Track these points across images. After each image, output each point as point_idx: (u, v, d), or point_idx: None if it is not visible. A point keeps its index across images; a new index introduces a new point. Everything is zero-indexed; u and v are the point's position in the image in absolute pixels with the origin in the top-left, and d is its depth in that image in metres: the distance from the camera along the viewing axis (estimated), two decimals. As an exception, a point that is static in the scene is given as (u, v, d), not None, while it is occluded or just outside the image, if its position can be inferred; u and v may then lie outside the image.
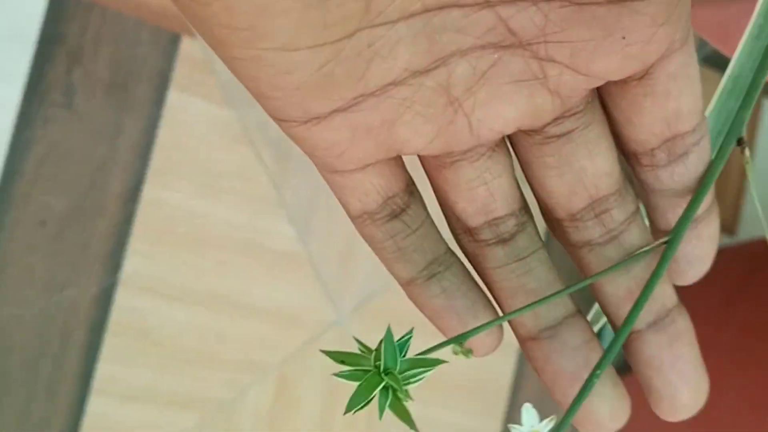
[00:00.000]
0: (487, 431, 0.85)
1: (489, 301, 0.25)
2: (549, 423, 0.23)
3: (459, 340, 0.23)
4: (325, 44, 0.20)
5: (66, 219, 0.71)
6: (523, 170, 0.25)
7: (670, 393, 0.25)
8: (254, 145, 0.76)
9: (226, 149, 0.75)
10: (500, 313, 0.26)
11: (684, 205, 0.26)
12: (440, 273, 0.25)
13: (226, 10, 0.19)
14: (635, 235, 0.25)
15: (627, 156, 0.25)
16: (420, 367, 0.22)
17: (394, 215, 0.24)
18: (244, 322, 0.76)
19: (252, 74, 0.20)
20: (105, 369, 0.72)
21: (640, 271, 0.26)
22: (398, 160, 0.24)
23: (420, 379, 0.22)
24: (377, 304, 0.80)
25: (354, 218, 0.24)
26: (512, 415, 0.86)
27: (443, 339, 0.25)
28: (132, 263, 0.73)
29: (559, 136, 0.24)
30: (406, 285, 0.25)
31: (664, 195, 0.26)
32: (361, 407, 0.20)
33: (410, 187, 0.25)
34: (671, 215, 0.26)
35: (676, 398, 0.25)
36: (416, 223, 0.25)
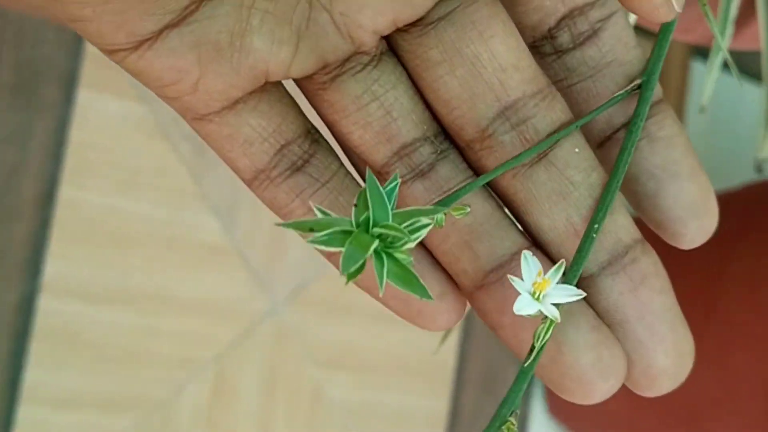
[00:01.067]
0: (434, 411, 0.84)
1: (437, 262, 0.21)
2: (558, 269, 0.19)
3: (440, 210, 0.19)
4: None
5: (-18, 227, 0.70)
6: (418, 87, 0.21)
7: (641, 356, 0.20)
8: (170, 139, 0.75)
9: (141, 145, 0.74)
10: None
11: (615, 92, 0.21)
12: None
13: None
14: (566, 151, 0.20)
15: (532, 52, 0.21)
16: (418, 217, 0.17)
17: (296, 168, 0.20)
18: (175, 319, 0.75)
19: None
20: (33, 376, 0.71)
21: (585, 193, 0.20)
22: (282, 97, 0.20)
23: (419, 236, 0.17)
24: (312, 292, 0.79)
25: (250, 183, 0.21)
26: (459, 395, 0.85)
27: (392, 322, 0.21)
28: (53, 267, 0.71)
29: (438, 20, 0.20)
30: (329, 256, 0.20)
31: (592, 90, 0.21)
32: (357, 271, 0.16)
33: (312, 134, 0.21)
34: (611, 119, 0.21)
35: (650, 363, 0.20)
36: (326, 174, 0.21)
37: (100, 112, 0.73)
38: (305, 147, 0.21)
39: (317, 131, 0.21)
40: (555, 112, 0.20)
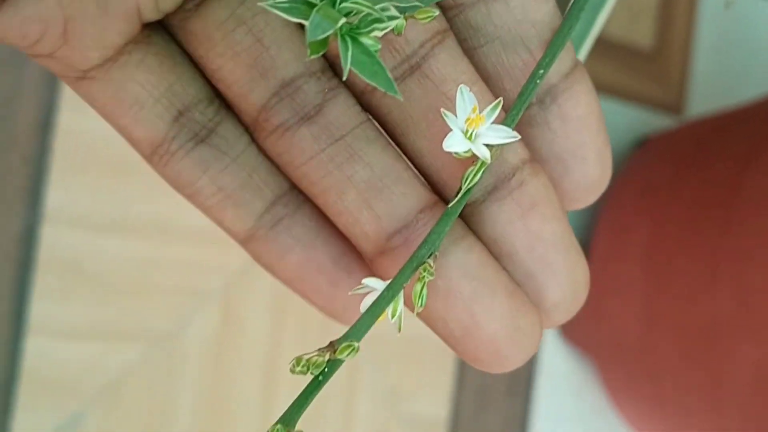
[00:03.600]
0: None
1: (356, 249, 0.19)
2: (493, 108, 0.17)
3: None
4: None
5: (-20, 157, 0.68)
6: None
7: (532, 290, 0.19)
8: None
9: (140, 69, 0.73)
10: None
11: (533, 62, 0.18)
12: (288, 217, 0.19)
13: None
14: (443, 63, 0.18)
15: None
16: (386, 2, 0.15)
17: (199, 139, 0.18)
18: (180, 248, 0.74)
19: None
20: (39, 307, 0.70)
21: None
22: (174, 55, 0.18)
23: (388, 26, 0.15)
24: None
25: (150, 159, 0.18)
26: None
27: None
28: (55, 197, 0.70)
29: None
30: (246, 241, 0.19)
31: (501, 56, 0.19)
32: (323, 44, 0.14)
33: (216, 102, 0.19)
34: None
35: (542, 297, 0.19)
36: (236, 147, 0.19)
37: (96, 37, 0.71)
38: (209, 114, 0.19)
39: (221, 99, 0.19)
40: (430, 26, 0.18)
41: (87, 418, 0.71)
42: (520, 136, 0.18)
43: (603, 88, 0.89)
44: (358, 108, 0.19)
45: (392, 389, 0.81)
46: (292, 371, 0.16)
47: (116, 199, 0.72)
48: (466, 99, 0.17)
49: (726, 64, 0.94)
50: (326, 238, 0.20)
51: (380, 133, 0.19)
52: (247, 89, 0.18)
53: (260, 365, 0.76)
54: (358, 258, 0.20)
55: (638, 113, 0.91)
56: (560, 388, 0.90)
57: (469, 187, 0.17)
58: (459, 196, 0.17)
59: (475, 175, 0.17)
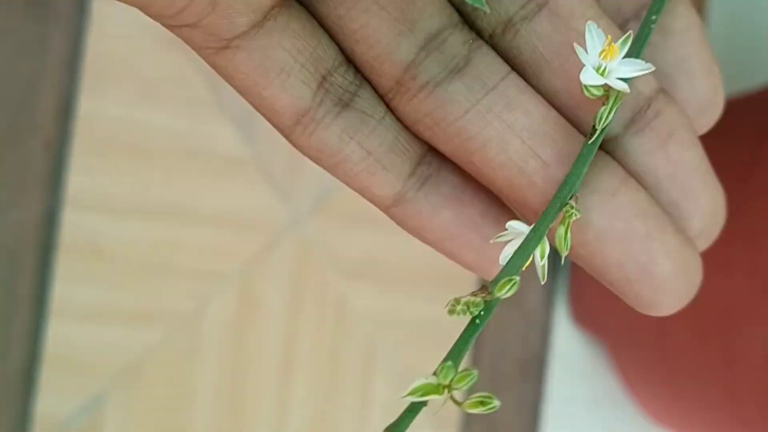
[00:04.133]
0: (457, 320, 0.84)
1: (498, 198, 0.19)
2: (624, 41, 0.17)
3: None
4: None
5: None
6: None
7: (677, 220, 0.18)
8: (188, 50, 0.74)
9: (158, 55, 0.73)
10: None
11: None
12: (434, 175, 0.19)
13: None
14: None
15: None
16: None
17: (343, 104, 0.18)
18: (198, 231, 0.75)
19: None
20: (61, 290, 0.71)
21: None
22: (309, 19, 0.18)
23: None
24: (334, 202, 0.79)
25: (292, 130, 0.18)
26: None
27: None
28: (76, 181, 0.71)
29: None
30: (393, 205, 0.18)
31: None
32: None
33: (350, 64, 0.18)
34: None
35: (687, 225, 0.18)
36: (379, 109, 0.18)
37: (116, 23, 0.72)
38: (349, 77, 0.18)
39: (354, 61, 0.18)
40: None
41: (108, 399, 0.72)
42: (653, 67, 0.17)
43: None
44: (501, 60, 0.18)
45: (408, 371, 0.81)
46: (452, 312, 0.16)
47: (136, 183, 0.73)
48: (594, 35, 0.17)
49: (737, 49, 0.94)
50: (472, 193, 0.19)
51: (527, 84, 0.18)
52: (393, 46, 0.17)
53: (278, 347, 0.77)
54: (506, 210, 0.19)
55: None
56: (573, 373, 0.91)
57: (605, 124, 0.17)
58: (597, 133, 0.17)
59: (610, 110, 0.17)
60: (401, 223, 0.19)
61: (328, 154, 0.18)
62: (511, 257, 0.17)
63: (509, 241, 0.17)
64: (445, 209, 0.19)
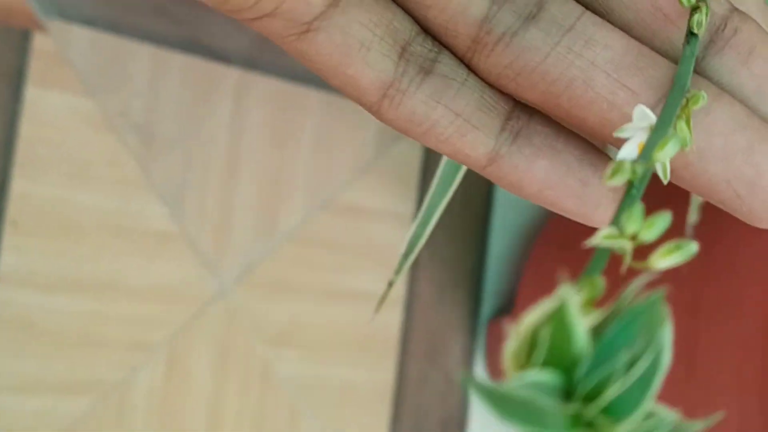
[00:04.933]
0: (380, 383, 0.88)
1: (591, 143, 0.19)
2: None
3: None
4: None
5: (-64, 222, 0.72)
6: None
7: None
8: (118, 131, 0.78)
9: (90, 138, 0.77)
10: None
11: None
12: (525, 127, 0.19)
13: None
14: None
15: None
16: None
17: (426, 71, 0.18)
18: (127, 304, 0.78)
19: None
20: (-8, 364, 0.73)
21: None
22: None
23: None
24: (259, 272, 0.83)
25: (379, 105, 0.18)
26: (404, 366, 0.89)
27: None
28: (7, 258, 0.74)
29: None
30: (489, 164, 0.18)
31: None
32: None
33: (426, 33, 0.19)
34: None
35: None
36: (461, 72, 0.18)
37: (49, 107, 0.76)
38: (428, 45, 0.18)
39: (427, 30, 0.19)
40: None
41: (38, 468, 0.74)
42: None
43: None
44: (573, 1, 0.18)
45: (330, 434, 0.85)
46: (613, 175, 0.16)
47: (67, 260, 0.76)
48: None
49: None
50: (565, 140, 0.19)
51: (602, 18, 0.18)
52: (464, 4, 0.18)
53: (205, 414, 0.80)
54: (601, 154, 0.19)
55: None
56: (493, 427, 0.95)
57: (703, 29, 0.17)
58: (694, 42, 0.18)
59: (705, 15, 0.17)
60: (499, 180, 0.19)
61: (417, 122, 0.18)
62: (659, 119, 0.17)
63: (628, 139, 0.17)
64: (540, 159, 0.18)
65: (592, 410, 0.11)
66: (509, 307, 0.95)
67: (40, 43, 0.76)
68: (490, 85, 0.19)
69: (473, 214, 0.93)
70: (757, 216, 0.18)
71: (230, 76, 0.82)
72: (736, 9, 0.18)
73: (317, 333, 0.85)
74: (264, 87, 0.83)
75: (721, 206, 0.18)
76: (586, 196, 0.18)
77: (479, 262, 0.94)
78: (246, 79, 0.82)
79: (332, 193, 0.86)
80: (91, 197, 0.77)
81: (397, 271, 0.29)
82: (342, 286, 0.86)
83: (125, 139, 0.78)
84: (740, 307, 0.69)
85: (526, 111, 0.19)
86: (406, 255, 0.30)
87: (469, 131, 0.18)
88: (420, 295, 0.90)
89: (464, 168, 0.33)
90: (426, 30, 0.18)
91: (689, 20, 0.18)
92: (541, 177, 0.18)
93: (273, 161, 0.84)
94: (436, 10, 0.18)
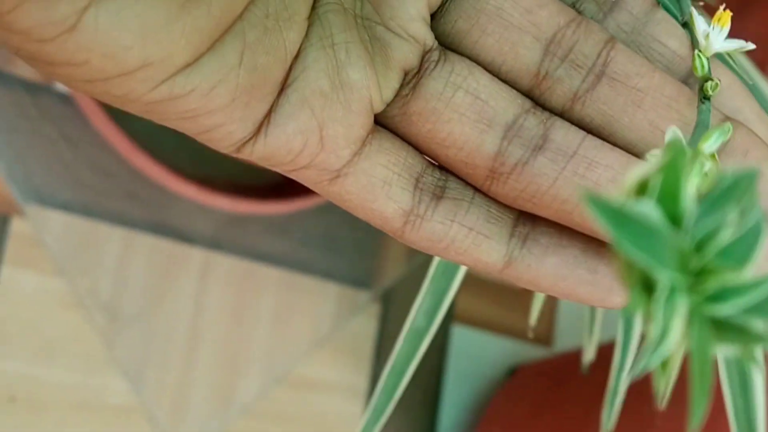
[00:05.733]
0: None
1: (592, 237, 0.21)
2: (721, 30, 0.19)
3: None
4: (225, 36, 0.17)
5: None
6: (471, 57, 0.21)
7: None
8: (86, 309, 0.83)
9: (59, 315, 0.82)
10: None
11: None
12: (532, 232, 0.21)
13: (106, 58, 0.16)
14: (622, 63, 0.20)
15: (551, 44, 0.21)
16: None
17: (438, 196, 0.20)
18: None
19: (180, 110, 0.17)
20: None
21: (656, 93, 0.20)
22: (392, 136, 0.21)
23: None
24: (215, 445, 0.86)
25: (402, 230, 0.20)
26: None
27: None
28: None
29: None
30: (505, 267, 0.20)
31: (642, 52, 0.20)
32: None
33: (434, 164, 0.21)
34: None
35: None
36: (467, 192, 0.21)
37: (22, 287, 0.81)
38: (437, 174, 0.21)
39: (448, 165, 0.21)
40: (594, 33, 0.20)
41: None
42: (753, 46, 0.20)
43: (477, 322, 0.99)
44: (575, 128, 0.20)
45: None
46: (707, 95, 0.18)
47: (29, 432, 0.79)
48: (698, 19, 0.19)
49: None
50: (569, 236, 0.21)
51: (603, 141, 0.20)
52: (479, 142, 0.20)
53: None
54: (602, 244, 0.21)
55: (512, 344, 1.01)
56: None
57: (714, 91, 0.20)
58: (705, 100, 0.20)
59: (716, 84, 0.20)
60: (516, 281, 0.21)
61: (437, 240, 0.20)
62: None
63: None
64: (549, 257, 0.20)
65: (708, 253, 0.12)
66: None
67: (17, 226, 0.82)
68: (509, 207, 0.21)
69: (424, 387, 0.97)
70: None
71: (195, 255, 0.87)
72: (728, 117, 0.20)
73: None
74: (226, 265, 0.89)
75: None
76: (598, 283, 0.20)
77: None
78: (209, 259, 0.88)
79: (288, 366, 0.90)
80: (55, 373, 0.81)
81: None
82: (296, 456, 0.89)
83: (92, 316, 0.83)
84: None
85: (530, 216, 0.21)
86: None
87: (482, 242, 0.20)
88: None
89: (421, 350, 0.36)
90: (446, 166, 0.21)
91: (702, 87, 0.20)
92: (553, 272, 0.20)
93: (232, 336, 0.88)
94: (454, 149, 0.20)
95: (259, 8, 0.18)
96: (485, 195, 0.21)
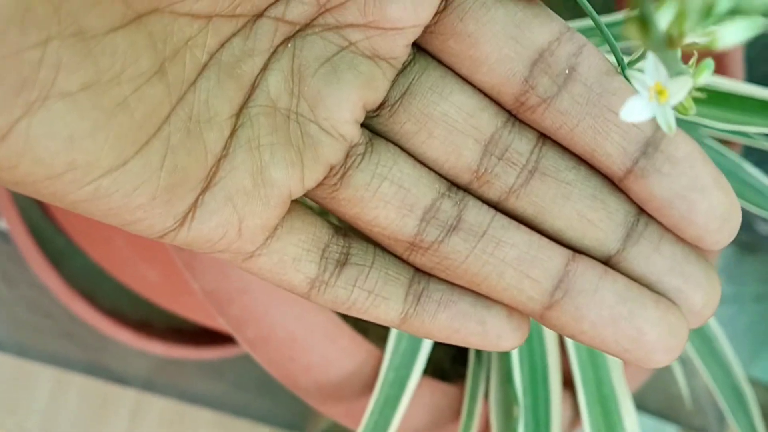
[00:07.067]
0: None
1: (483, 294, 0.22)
2: (686, 76, 0.17)
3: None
4: (150, 141, 0.18)
5: None
6: (410, 155, 0.22)
7: (683, 301, 0.22)
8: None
9: None
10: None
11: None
12: (426, 289, 0.22)
13: (35, 164, 0.16)
14: (552, 160, 0.22)
15: (511, 112, 0.22)
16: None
17: (341, 263, 0.22)
18: None
19: (103, 209, 0.18)
20: None
21: (582, 185, 0.22)
22: (304, 211, 0.22)
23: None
24: None
25: (308, 294, 0.22)
26: None
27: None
28: None
29: (401, 97, 0.22)
30: (402, 323, 0.22)
31: (597, 126, 0.21)
32: None
33: (340, 230, 0.23)
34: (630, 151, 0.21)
35: (691, 304, 0.22)
36: (368, 257, 0.22)
37: None
38: (341, 243, 0.22)
39: (341, 225, 0.23)
40: (527, 132, 0.22)
41: None
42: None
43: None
44: (485, 207, 0.22)
45: None
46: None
47: None
48: (656, 66, 0.17)
49: None
50: (459, 292, 0.22)
51: (510, 219, 0.22)
52: (401, 224, 0.22)
53: None
54: (489, 298, 0.22)
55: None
56: None
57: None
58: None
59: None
60: (414, 334, 0.22)
61: (341, 303, 0.22)
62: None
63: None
64: (441, 312, 0.22)
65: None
66: None
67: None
68: (407, 266, 0.23)
69: None
70: (642, 362, 0.21)
71: (127, 396, 0.86)
72: (640, 209, 0.22)
73: None
74: (159, 406, 0.88)
75: (612, 355, 0.22)
76: (487, 332, 0.22)
77: None
78: (142, 400, 0.87)
79: None
80: None
81: None
82: None
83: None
84: None
85: (424, 276, 0.23)
86: None
87: (381, 302, 0.22)
88: None
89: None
90: (369, 237, 0.22)
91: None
92: (446, 325, 0.22)
93: (161, 480, 0.86)
94: (378, 228, 0.22)
95: (183, 110, 0.19)
96: (385, 254, 0.23)
